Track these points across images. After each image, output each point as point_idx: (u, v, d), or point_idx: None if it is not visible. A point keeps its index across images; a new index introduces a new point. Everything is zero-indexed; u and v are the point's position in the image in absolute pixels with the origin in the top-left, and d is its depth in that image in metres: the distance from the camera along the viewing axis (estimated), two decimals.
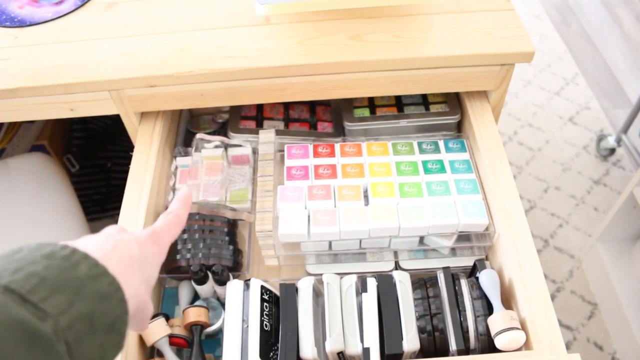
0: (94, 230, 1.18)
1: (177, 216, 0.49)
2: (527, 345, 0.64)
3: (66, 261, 0.34)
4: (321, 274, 0.71)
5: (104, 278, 0.35)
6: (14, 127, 1.42)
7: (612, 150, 1.79)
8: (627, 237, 1.52)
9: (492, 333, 0.64)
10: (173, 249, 0.75)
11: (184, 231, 0.76)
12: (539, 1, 2.38)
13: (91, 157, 1.50)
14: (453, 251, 0.78)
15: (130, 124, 0.84)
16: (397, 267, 0.77)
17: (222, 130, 0.95)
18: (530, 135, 1.88)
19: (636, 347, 1.37)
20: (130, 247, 0.41)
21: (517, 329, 0.63)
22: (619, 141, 1.76)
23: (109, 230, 0.42)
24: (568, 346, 1.45)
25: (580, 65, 2.11)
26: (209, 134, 0.88)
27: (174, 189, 0.84)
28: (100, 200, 1.57)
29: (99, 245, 0.39)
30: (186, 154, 0.87)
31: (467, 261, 0.77)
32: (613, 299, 1.47)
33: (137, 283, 0.39)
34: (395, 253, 0.77)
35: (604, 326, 1.49)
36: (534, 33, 2.23)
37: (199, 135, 0.84)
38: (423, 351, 0.67)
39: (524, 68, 2.07)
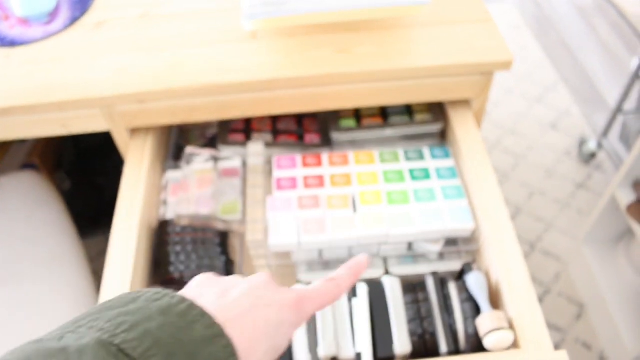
0: (87, 247, 1.17)
1: (338, 286, 0.42)
2: (515, 345, 0.66)
3: (182, 319, 0.31)
4: (312, 282, 0.72)
5: (220, 340, 0.32)
6: (4, 146, 1.42)
7: (593, 155, 1.83)
8: (611, 239, 1.55)
9: (481, 334, 0.66)
10: (166, 261, 0.76)
11: (176, 243, 0.77)
12: (519, 13, 2.43)
13: (82, 174, 1.51)
14: (441, 256, 0.80)
15: (121, 139, 0.85)
16: (387, 273, 0.79)
17: (211, 144, 0.97)
18: (514, 143, 1.92)
19: (623, 345, 1.40)
20: (269, 310, 0.37)
21: (505, 328, 0.65)
22: (599, 145, 1.80)
23: (257, 281, 0.39)
24: (557, 347, 1.47)
25: (560, 73, 2.16)
26: (201, 146, 0.90)
27: (165, 203, 0.85)
28: (92, 217, 1.58)
29: (236, 300, 0.36)
30: (177, 168, 0.88)
31: (455, 265, 0.79)
32: (599, 300, 1.50)
33: (263, 352, 0.35)
34: (385, 259, 0.79)
35: (591, 326, 1.51)
36: (514, 43, 2.28)
37: (189, 149, 0.86)
38: (414, 354, 0.68)
39: (505, 77, 2.12)
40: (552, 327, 1.51)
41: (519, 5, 2.46)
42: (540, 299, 1.56)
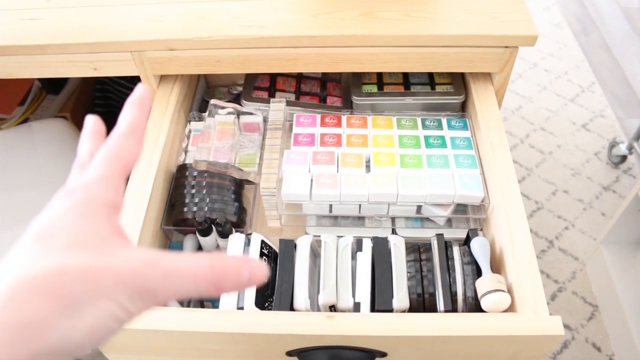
0: None
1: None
2: (511, 309, 0.66)
3: None
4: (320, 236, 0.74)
5: None
6: (38, 98, 1.48)
7: (624, 158, 1.80)
8: (632, 241, 1.53)
9: (479, 295, 0.67)
10: (180, 202, 0.79)
11: (192, 186, 0.80)
12: (560, 11, 2.40)
13: (110, 132, 1.55)
14: (449, 222, 0.81)
15: (149, 86, 0.88)
16: (394, 234, 0.80)
17: (236, 101, 0.99)
18: (542, 139, 1.90)
19: (634, 350, 1.38)
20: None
21: (503, 291, 0.65)
22: (630, 149, 1.76)
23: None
24: (566, 345, 1.46)
25: (598, 74, 2.13)
26: (225, 100, 0.92)
27: (186, 151, 0.88)
28: None
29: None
30: (200, 119, 0.91)
31: (462, 233, 0.79)
32: (614, 302, 1.48)
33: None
34: (393, 220, 0.80)
35: (603, 328, 1.49)
36: (554, 41, 2.25)
37: (213, 101, 0.88)
38: (412, 310, 0.69)
39: (540, 74, 2.09)
40: (563, 325, 1.49)
41: (561, 3, 2.43)
42: (554, 296, 1.55)
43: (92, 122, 0.36)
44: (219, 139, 0.87)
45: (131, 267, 0.27)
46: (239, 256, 0.31)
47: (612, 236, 1.52)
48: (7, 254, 0.27)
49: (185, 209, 0.77)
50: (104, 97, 1.55)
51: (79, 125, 1.47)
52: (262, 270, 0.30)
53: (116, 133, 0.34)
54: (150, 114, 0.86)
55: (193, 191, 0.79)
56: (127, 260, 0.28)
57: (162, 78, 0.90)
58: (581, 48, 2.23)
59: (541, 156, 1.85)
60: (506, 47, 0.82)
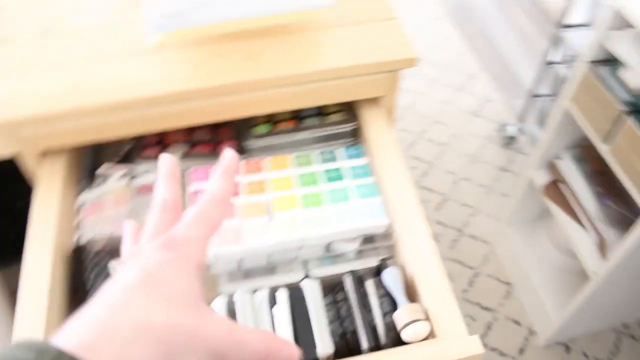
0: (10, 277, 1.08)
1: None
2: (432, 334, 0.68)
3: None
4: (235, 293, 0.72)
5: None
6: None
7: (512, 139, 1.91)
8: (532, 219, 1.63)
9: (398, 327, 0.68)
10: (84, 289, 0.74)
11: (93, 267, 0.76)
12: (439, 5, 2.50)
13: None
14: (360, 254, 0.82)
15: (28, 164, 0.83)
16: (307, 276, 0.80)
17: (127, 160, 0.95)
18: (438, 131, 1.98)
19: (548, 317, 1.48)
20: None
21: (421, 320, 0.67)
22: (518, 129, 1.88)
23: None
24: (489, 326, 1.54)
25: (481, 61, 2.24)
26: (115, 164, 0.88)
27: (79, 227, 0.83)
28: (12, 241, 1.51)
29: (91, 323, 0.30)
30: (91, 188, 0.86)
31: (374, 262, 0.81)
32: (525, 277, 1.58)
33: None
34: (305, 262, 0.80)
35: (520, 303, 1.59)
36: (436, 34, 2.34)
37: (100, 169, 0.84)
38: (337, 353, 0.70)
39: (429, 68, 2.18)
40: (483, 308, 1.57)
41: None
42: (471, 282, 1.63)
43: (168, 163, 0.41)
44: (114, 207, 0.83)
45: (215, 332, 0.32)
46: (281, 337, 0.36)
47: (514, 216, 1.62)
48: (112, 284, 0.32)
49: (89, 296, 0.73)
50: None
51: None
52: (295, 350, 0.36)
53: (211, 199, 0.39)
54: (36, 195, 0.80)
55: (93, 274, 0.75)
56: (213, 324, 0.33)
57: (44, 153, 0.84)
58: (463, 38, 2.34)
59: (439, 148, 1.93)
60: (389, 71, 0.84)
